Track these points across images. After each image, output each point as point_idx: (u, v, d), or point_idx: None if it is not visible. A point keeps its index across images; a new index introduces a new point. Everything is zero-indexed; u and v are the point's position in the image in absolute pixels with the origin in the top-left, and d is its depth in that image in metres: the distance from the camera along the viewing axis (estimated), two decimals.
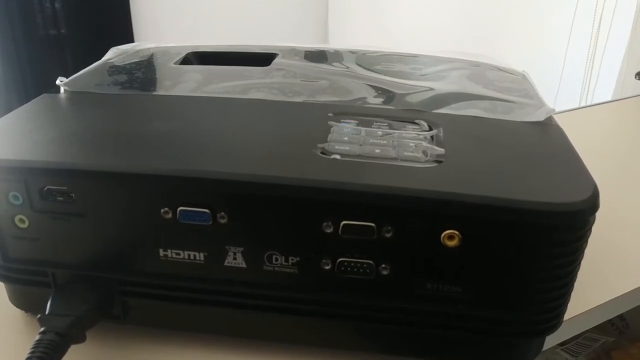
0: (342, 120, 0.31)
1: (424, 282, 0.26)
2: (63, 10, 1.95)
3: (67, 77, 0.36)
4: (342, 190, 0.25)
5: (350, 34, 2.24)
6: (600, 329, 0.61)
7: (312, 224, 0.25)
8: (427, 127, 0.31)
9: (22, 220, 0.28)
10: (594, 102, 0.75)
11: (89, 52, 0.42)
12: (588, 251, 0.27)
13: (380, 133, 0.30)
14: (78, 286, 0.28)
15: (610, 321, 0.61)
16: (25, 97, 1.89)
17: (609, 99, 1.13)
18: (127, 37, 1.98)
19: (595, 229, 0.26)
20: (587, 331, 0.59)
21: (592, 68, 1.44)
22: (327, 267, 0.26)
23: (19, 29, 1.88)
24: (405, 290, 0.26)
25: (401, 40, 1.91)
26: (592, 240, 0.26)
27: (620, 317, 0.62)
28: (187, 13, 2.08)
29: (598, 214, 0.25)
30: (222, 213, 0.26)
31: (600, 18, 1.39)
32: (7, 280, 0.30)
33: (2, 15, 1.84)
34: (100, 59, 0.42)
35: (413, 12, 1.95)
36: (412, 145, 0.28)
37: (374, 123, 0.31)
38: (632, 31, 1.25)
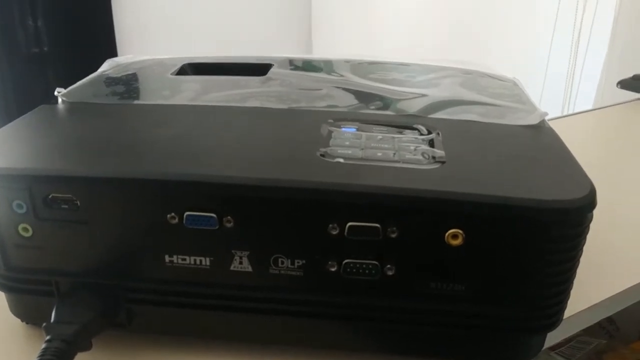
0: (342, 126, 0.32)
1: (428, 281, 0.27)
2: (45, 28, 1.95)
3: (49, 96, 0.35)
4: (348, 192, 0.25)
5: (334, 41, 2.25)
6: (591, 333, 0.61)
7: (318, 226, 0.26)
8: (425, 131, 0.31)
9: (25, 229, 0.27)
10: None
11: (72, 70, 0.41)
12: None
13: (380, 137, 0.30)
14: (83, 294, 0.28)
15: (600, 325, 0.62)
16: (7, 115, 1.87)
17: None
18: (111, 54, 1.98)
19: None
20: (579, 335, 0.60)
21: (572, 81, 1.47)
22: (333, 269, 0.27)
23: (0, 47, 1.87)
24: (410, 290, 0.27)
25: (385, 49, 1.93)
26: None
27: (611, 320, 0.63)
28: (170, 30, 2.09)
29: None
30: (229, 217, 0.26)
31: (579, 33, 1.43)
32: (9, 290, 0.30)
33: None
34: (84, 76, 0.40)
35: (396, 18, 1.97)
36: (412, 149, 0.29)
37: (374, 128, 0.32)
38: (609, 43, 1.29)
